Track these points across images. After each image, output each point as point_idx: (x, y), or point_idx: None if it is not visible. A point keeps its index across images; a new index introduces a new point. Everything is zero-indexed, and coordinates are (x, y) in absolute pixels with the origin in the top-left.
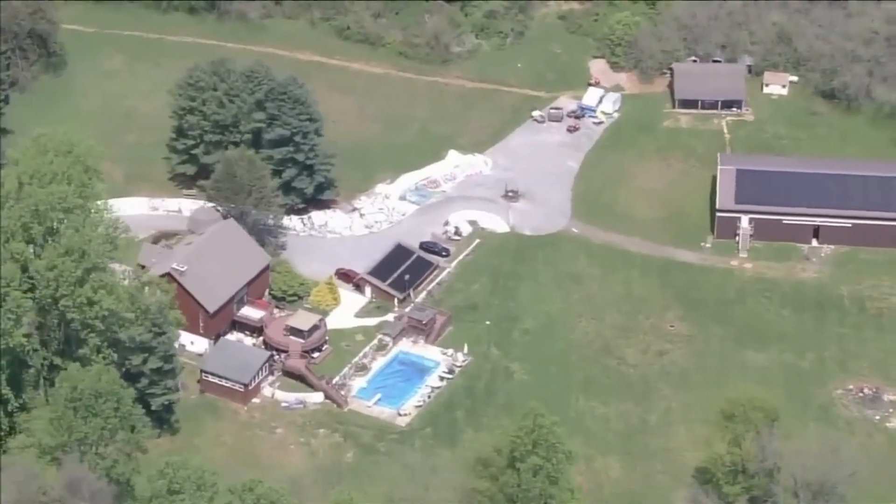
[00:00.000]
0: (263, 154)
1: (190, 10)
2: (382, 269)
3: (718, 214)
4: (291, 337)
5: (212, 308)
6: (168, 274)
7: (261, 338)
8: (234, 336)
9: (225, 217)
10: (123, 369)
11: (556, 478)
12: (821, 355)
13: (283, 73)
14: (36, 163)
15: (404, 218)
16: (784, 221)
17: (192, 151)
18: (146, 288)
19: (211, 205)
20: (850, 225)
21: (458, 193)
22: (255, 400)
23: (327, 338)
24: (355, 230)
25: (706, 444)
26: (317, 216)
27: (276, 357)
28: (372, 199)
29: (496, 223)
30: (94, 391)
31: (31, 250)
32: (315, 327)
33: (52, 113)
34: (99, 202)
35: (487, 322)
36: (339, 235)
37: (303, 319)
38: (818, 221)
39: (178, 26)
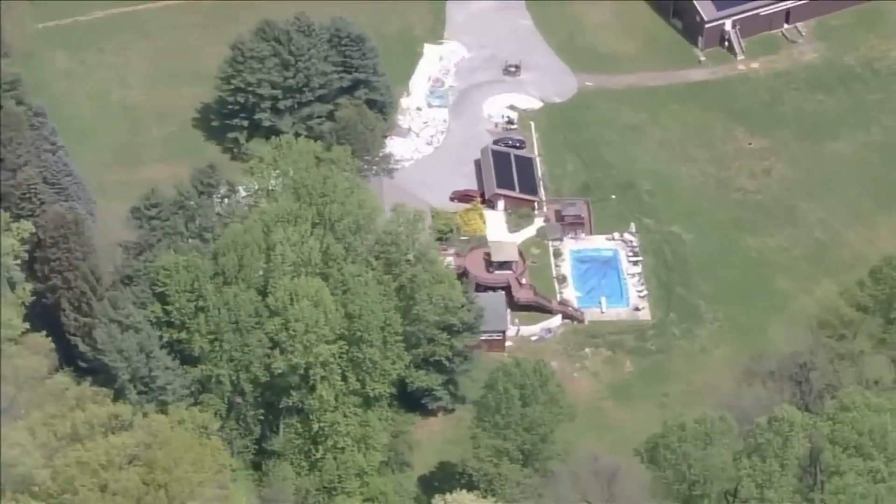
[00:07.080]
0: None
1: None
2: (503, 179)
3: (706, 26)
4: (499, 272)
5: None
6: None
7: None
8: None
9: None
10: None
11: None
12: (884, 127)
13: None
14: (311, 178)
15: (447, 124)
16: (762, 14)
17: (266, 124)
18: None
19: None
20: None
21: (464, 84)
22: (507, 343)
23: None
24: (422, 150)
25: None
26: None
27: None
28: (409, 116)
29: (526, 101)
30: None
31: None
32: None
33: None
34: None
35: (613, 196)
36: (412, 160)
37: (504, 251)
38: (789, 4)
39: (77, 2)
